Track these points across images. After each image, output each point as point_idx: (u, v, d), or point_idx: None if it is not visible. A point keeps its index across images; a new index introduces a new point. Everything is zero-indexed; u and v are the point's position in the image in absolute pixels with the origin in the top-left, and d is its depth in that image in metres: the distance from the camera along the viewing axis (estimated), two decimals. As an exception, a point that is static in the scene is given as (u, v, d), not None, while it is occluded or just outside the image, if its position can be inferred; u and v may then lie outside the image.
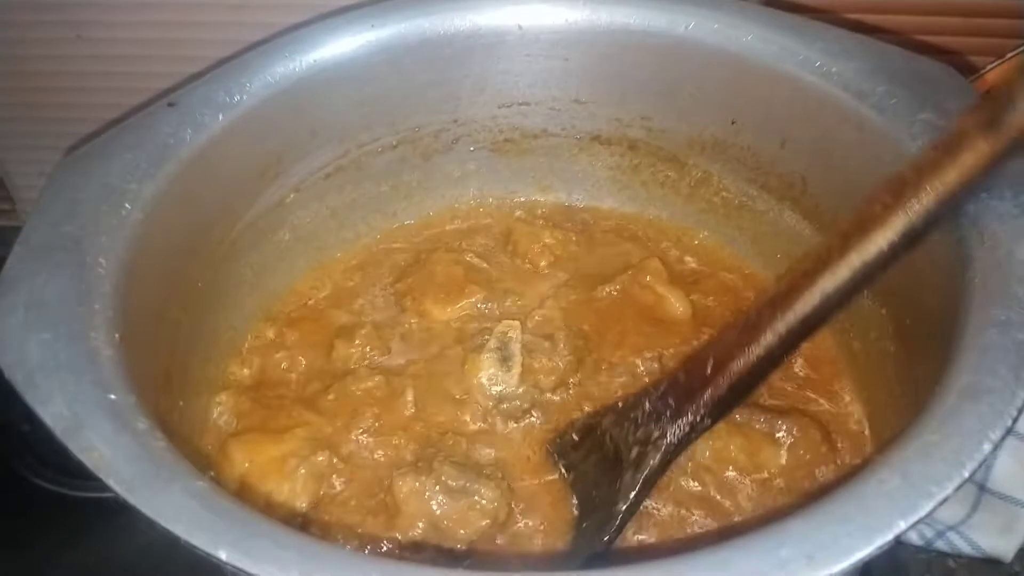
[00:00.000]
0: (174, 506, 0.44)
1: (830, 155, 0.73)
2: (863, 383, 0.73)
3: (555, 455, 0.69)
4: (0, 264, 0.57)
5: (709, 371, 0.58)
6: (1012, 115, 0.50)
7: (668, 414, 0.61)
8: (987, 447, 0.46)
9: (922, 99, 0.66)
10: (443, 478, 0.62)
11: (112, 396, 0.50)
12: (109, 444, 0.47)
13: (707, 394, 0.58)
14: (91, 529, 0.82)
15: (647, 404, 0.63)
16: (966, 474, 0.45)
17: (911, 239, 0.53)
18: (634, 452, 0.62)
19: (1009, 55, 0.87)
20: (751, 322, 0.57)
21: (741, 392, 0.59)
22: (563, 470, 0.68)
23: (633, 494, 0.61)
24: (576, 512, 0.66)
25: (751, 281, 0.83)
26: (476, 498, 0.62)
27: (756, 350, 0.56)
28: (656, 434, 0.61)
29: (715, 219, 0.86)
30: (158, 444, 0.48)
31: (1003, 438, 0.46)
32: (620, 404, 0.67)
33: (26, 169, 1.05)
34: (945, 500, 0.44)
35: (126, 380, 0.52)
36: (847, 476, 0.46)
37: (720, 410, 0.60)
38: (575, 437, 0.69)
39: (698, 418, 0.59)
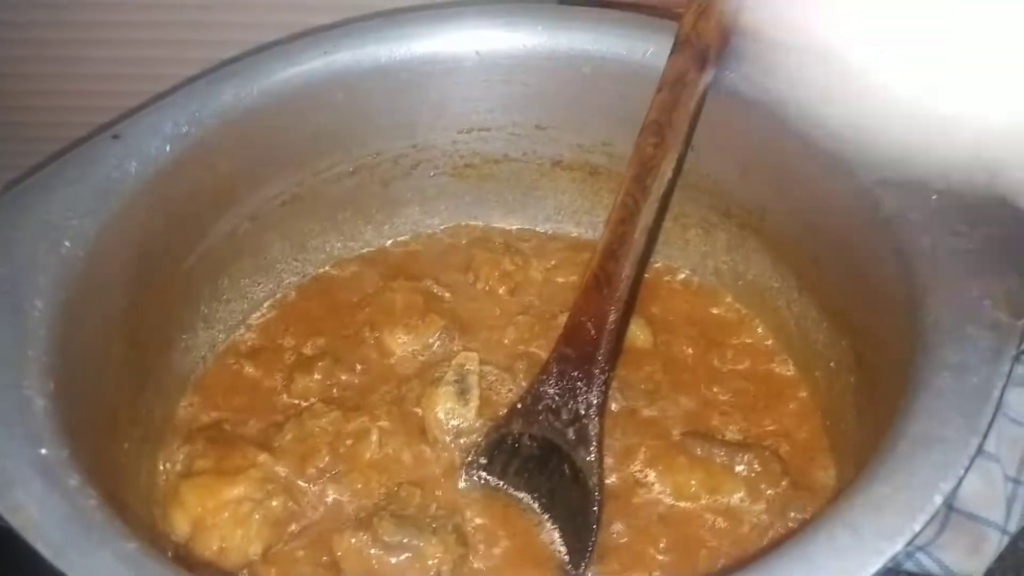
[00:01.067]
0: (104, 571, 0.43)
1: (789, 183, 0.73)
2: (825, 413, 0.73)
3: (487, 479, 0.68)
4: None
5: (593, 332, 0.67)
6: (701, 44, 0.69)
7: (581, 384, 0.67)
8: (938, 499, 0.45)
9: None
10: (380, 534, 0.61)
11: (43, 451, 0.49)
12: (38, 503, 0.46)
13: (602, 351, 0.67)
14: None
15: (552, 388, 0.68)
16: (917, 528, 0.44)
17: (680, 161, 0.72)
18: (571, 432, 0.67)
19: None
20: (604, 278, 0.68)
21: (620, 337, 0.71)
22: (511, 488, 0.68)
23: (596, 466, 0.66)
24: (547, 520, 0.66)
25: (712, 307, 0.83)
26: (415, 554, 0.61)
27: (618, 298, 0.67)
28: (583, 406, 0.67)
29: (676, 246, 0.85)
30: (90, 503, 0.47)
31: (954, 489, 0.45)
32: (520, 405, 0.70)
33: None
34: (895, 556, 0.43)
35: (60, 432, 0.51)
36: (800, 528, 0.45)
37: (613, 359, 0.70)
38: (486, 459, 0.69)
39: (605, 374, 0.67)
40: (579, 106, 0.81)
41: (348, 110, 0.78)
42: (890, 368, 0.59)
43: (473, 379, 0.73)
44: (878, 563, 0.43)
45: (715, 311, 0.82)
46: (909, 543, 0.44)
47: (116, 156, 0.66)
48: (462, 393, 0.73)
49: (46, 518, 0.45)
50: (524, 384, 0.73)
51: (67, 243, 0.60)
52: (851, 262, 0.66)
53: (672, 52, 0.72)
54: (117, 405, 0.63)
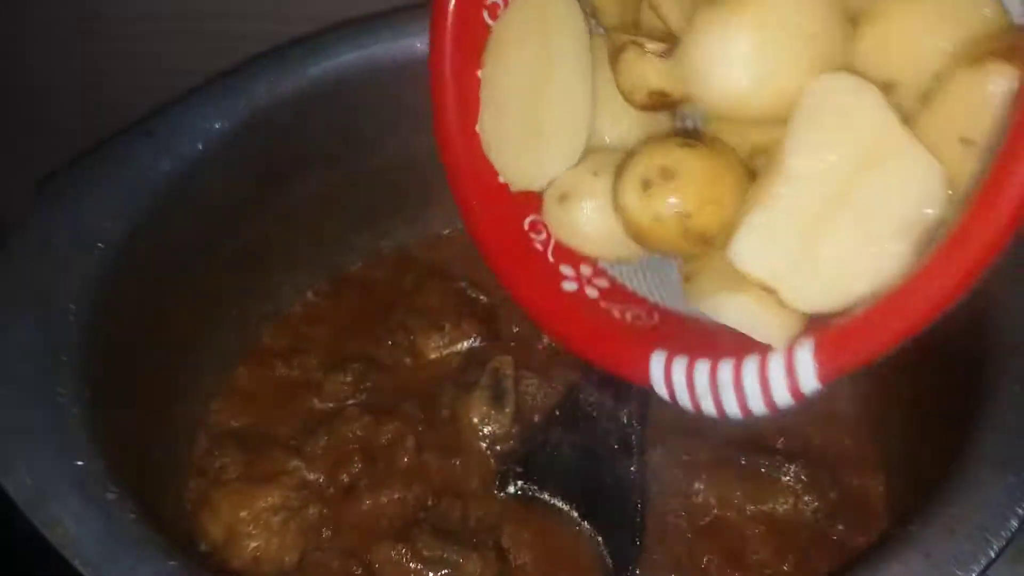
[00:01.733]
0: (144, 591, 0.41)
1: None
2: (873, 424, 0.70)
3: (525, 488, 0.66)
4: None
5: None
6: None
7: (624, 391, 0.64)
8: (1014, 523, 0.43)
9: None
10: (420, 548, 0.59)
11: (79, 463, 0.47)
12: (75, 518, 0.44)
13: None
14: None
15: (593, 396, 0.66)
16: (992, 554, 0.42)
17: None
18: (612, 440, 0.64)
19: None
20: None
21: None
22: (549, 497, 0.65)
23: (639, 475, 0.64)
24: (587, 530, 0.64)
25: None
26: (455, 570, 0.59)
27: None
28: (625, 414, 0.64)
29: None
30: (128, 517, 0.45)
31: (1032, 512, 0.43)
32: (559, 412, 0.68)
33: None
34: (971, 583, 0.41)
35: (95, 442, 0.49)
36: (867, 552, 0.43)
37: None
38: (522, 467, 0.66)
39: None
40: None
41: (382, 104, 0.76)
42: (948, 377, 0.57)
43: (509, 384, 0.71)
44: (953, 590, 0.41)
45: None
46: (984, 570, 0.41)
47: (148, 154, 0.64)
48: (497, 398, 0.70)
49: (84, 534, 0.44)
50: (561, 389, 0.71)
51: (100, 244, 0.59)
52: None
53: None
54: (148, 410, 0.62)
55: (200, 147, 0.67)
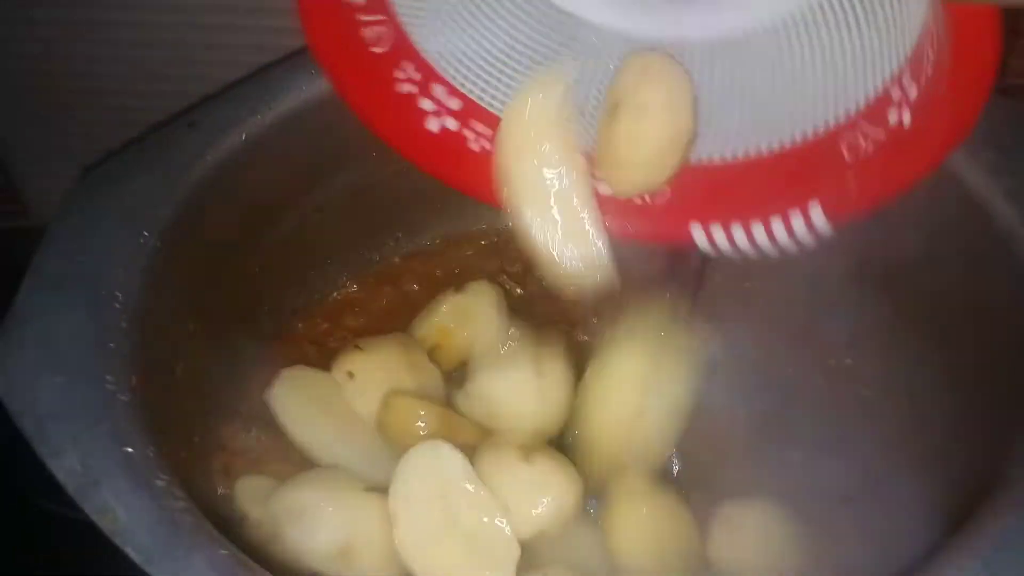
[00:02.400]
0: (197, 579, 0.41)
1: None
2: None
3: None
4: (9, 271, 0.53)
5: None
6: None
7: None
8: (1072, 531, 0.42)
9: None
10: None
11: (129, 449, 0.47)
12: (126, 505, 0.44)
13: None
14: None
15: None
16: (1051, 562, 0.41)
17: None
18: None
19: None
20: None
21: None
22: None
23: None
24: None
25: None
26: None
27: None
28: None
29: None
30: (179, 505, 0.45)
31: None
32: None
33: (36, 169, 1.01)
34: (1030, 594, 0.40)
35: (144, 429, 0.49)
36: (922, 561, 0.42)
37: None
38: None
39: None
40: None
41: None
42: (992, 390, 0.57)
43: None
44: (1013, 601, 0.40)
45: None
46: (1043, 579, 0.41)
47: (192, 144, 0.64)
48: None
49: (135, 521, 0.44)
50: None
51: (145, 232, 0.58)
52: (950, 279, 0.63)
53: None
54: (187, 398, 0.62)
55: (243, 138, 0.66)
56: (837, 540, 0.60)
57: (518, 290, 0.81)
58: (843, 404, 0.70)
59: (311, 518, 0.57)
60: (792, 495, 0.61)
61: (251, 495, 0.62)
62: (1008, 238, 0.58)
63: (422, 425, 0.64)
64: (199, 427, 0.62)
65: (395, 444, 0.64)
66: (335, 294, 0.80)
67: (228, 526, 0.48)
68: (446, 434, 0.63)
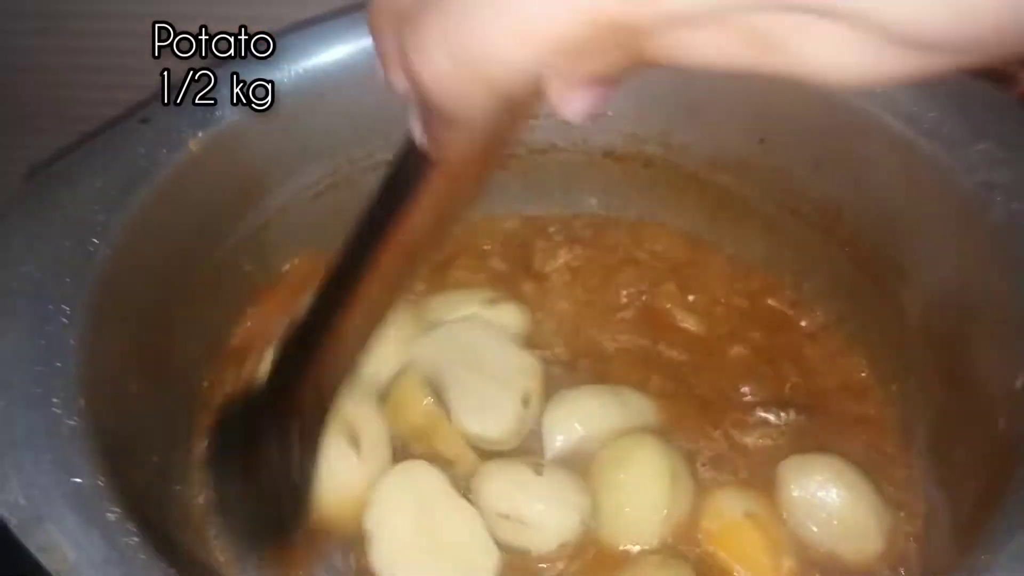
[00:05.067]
0: (150, 625, 0.38)
1: (871, 183, 0.67)
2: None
3: None
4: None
5: None
6: None
7: None
8: (1089, 547, 0.40)
9: (980, 127, 0.60)
10: None
11: (78, 479, 0.43)
12: (74, 543, 0.41)
13: None
14: None
15: None
16: (1071, 580, 0.39)
17: None
18: None
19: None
20: None
21: None
22: None
23: None
24: None
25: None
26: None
27: None
28: None
29: (737, 244, 0.80)
30: (131, 541, 0.41)
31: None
32: None
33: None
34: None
35: (93, 456, 0.45)
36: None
37: None
38: None
39: None
40: (636, 92, 0.75)
41: (387, 94, 0.72)
42: (988, 388, 0.54)
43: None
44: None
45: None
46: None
47: (144, 143, 0.61)
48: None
49: (84, 560, 0.40)
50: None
51: (94, 240, 0.55)
52: (946, 273, 0.61)
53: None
54: (144, 418, 0.58)
55: (199, 135, 0.63)
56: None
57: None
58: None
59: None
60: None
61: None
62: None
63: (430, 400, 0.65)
64: (158, 448, 0.58)
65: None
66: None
67: (188, 561, 0.44)
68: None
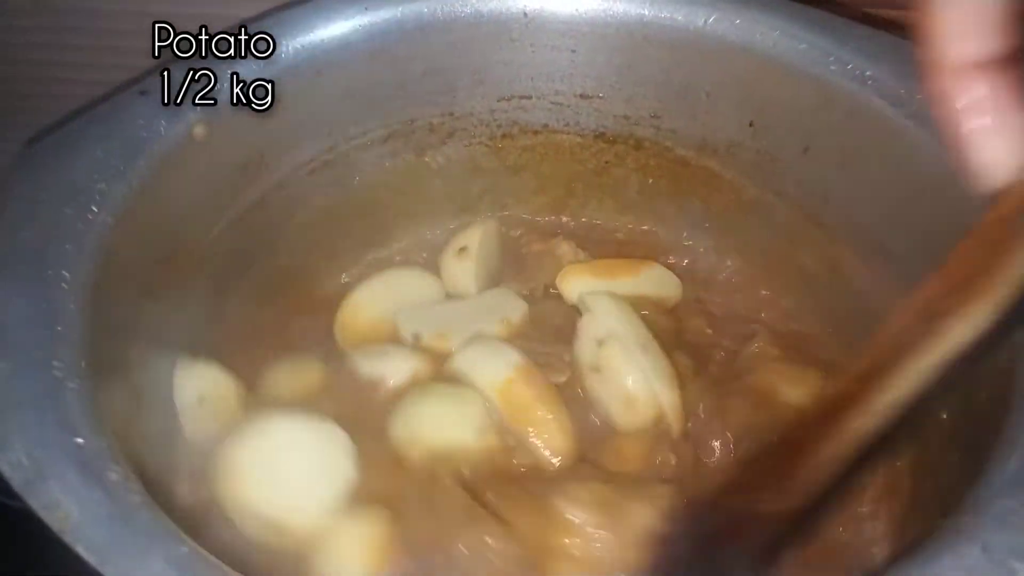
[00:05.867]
0: (155, 579, 0.38)
1: (859, 166, 0.68)
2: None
3: None
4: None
5: None
6: None
7: None
8: (1071, 513, 0.41)
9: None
10: None
11: (79, 440, 0.44)
12: (77, 501, 0.41)
13: None
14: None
15: None
16: (1051, 545, 0.40)
17: None
18: None
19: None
20: None
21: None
22: None
23: None
24: None
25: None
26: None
27: None
28: None
29: (720, 228, 0.81)
30: (134, 499, 0.42)
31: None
32: None
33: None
34: (1028, 577, 0.39)
35: (95, 417, 0.46)
36: (920, 544, 0.41)
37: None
38: None
39: None
40: (628, 75, 0.76)
41: (385, 72, 0.73)
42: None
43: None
44: (1011, 584, 0.39)
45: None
46: (1043, 562, 0.40)
47: (144, 114, 0.61)
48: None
49: (87, 518, 0.40)
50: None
51: (94, 208, 0.55)
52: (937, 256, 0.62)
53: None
54: (148, 381, 0.59)
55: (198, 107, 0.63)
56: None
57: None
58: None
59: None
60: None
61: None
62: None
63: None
64: (159, 413, 0.59)
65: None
66: (303, 266, 0.77)
67: (191, 519, 0.45)
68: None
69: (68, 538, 0.40)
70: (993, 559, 0.40)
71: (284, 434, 0.61)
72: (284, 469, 0.59)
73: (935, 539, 0.41)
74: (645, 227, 0.86)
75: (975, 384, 0.54)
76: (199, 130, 0.62)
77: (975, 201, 0.56)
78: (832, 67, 0.67)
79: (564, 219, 0.87)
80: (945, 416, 0.58)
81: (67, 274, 0.51)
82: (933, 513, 0.53)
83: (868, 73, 0.66)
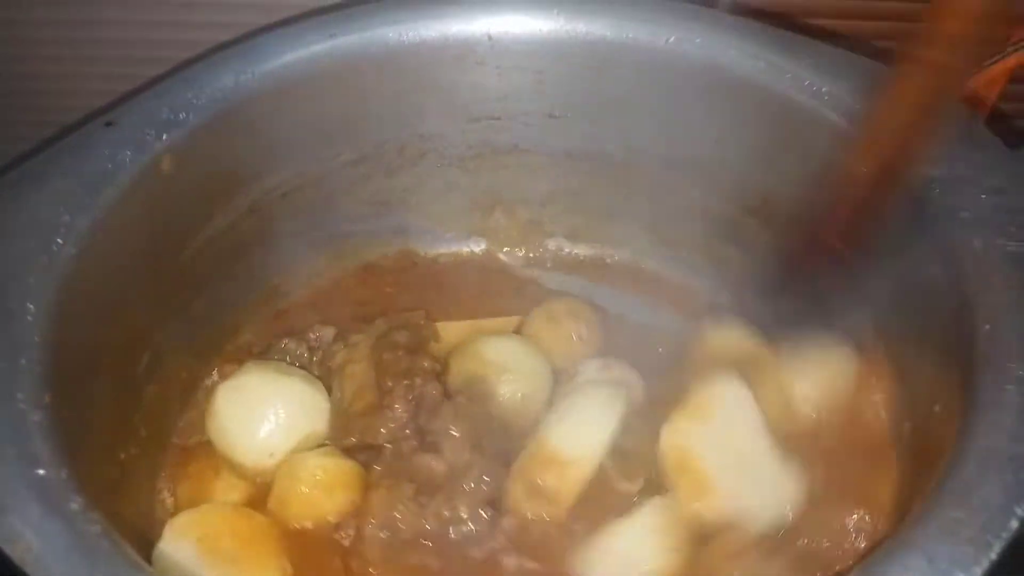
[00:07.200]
0: (113, 610, 0.39)
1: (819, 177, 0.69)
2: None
3: None
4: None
5: None
6: None
7: None
8: (1014, 523, 0.42)
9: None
10: None
11: (40, 471, 0.44)
12: (37, 532, 0.42)
13: None
14: None
15: None
16: (994, 555, 0.41)
17: None
18: None
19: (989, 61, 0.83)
20: None
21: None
22: None
23: None
24: None
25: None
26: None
27: None
28: None
29: (690, 244, 0.82)
30: (94, 529, 0.43)
31: (1032, 513, 0.42)
32: None
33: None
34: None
35: (57, 449, 0.46)
36: (867, 556, 0.42)
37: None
38: None
39: None
40: (594, 95, 0.77)
41: (354, 96, 0.74)
42: (937, 378, 0.56)
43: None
44: (956, 595, 0.40)
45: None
46: (986, 572, 0.41)
47: (109, 145, 0.62)
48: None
49: (47, 549, 0.41)
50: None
51: (59, 240, 0.56)
52: (887, 264, 0.63)
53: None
54: (112, 416, 0.59)
55: (164, 137, 0.64)
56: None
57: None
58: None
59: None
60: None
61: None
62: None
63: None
64: (123, 444, 0.59)
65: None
66: (271, 305, 0.77)
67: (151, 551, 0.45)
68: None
69: (29, 570, 0.40)
70: (939, 570, 0.40)
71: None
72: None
73: (884, 551, 0.41)
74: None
75: (929, 396, 0.54)
76: (166, 164, 0.62)
77: (930, 211, 0.59)
78: (791, 83, 0.68)
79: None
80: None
81: (31, 306, 0.52)
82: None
83: (825, 89, 0.67)
